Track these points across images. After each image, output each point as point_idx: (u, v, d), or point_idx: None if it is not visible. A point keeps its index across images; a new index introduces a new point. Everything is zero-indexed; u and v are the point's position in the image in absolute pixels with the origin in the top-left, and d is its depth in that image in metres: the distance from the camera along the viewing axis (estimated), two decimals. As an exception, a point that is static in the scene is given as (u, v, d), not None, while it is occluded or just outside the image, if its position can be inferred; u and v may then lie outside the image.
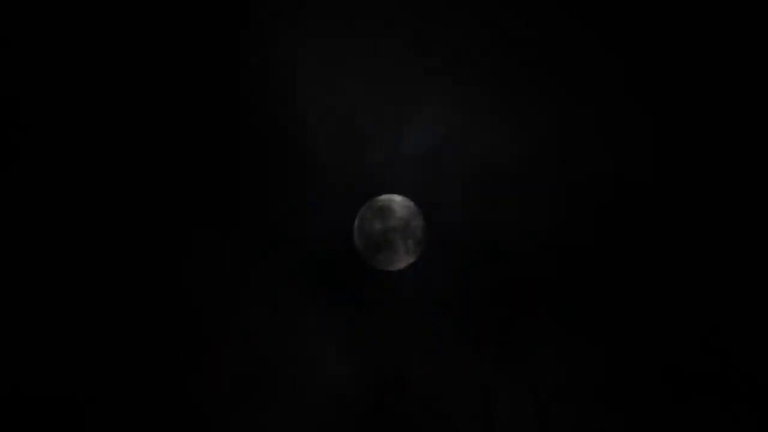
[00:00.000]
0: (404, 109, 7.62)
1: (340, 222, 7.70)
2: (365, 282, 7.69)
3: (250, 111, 7.57)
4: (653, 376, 7.15)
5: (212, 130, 7.53)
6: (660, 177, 7.41)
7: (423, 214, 7.65)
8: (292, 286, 7.54)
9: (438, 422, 7.29)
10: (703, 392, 7.06)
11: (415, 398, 7.36)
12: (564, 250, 7.41)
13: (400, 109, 7.62)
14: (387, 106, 7.61)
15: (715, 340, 7.15)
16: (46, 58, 7.34)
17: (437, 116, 7.58)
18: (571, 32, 7.45)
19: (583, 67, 7.47)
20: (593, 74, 7.46)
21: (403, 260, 7.66)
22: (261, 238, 7.55)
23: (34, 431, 7.00)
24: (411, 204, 7.65)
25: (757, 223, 7.24)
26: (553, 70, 7.48)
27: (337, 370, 7.44)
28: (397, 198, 7.65)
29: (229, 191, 7.54)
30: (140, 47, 7.42)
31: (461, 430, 7.27)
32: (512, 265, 7.44)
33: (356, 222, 7.68)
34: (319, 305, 7.54)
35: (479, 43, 7.50)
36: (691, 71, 7.39)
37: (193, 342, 7.34)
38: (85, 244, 7.31)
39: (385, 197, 7.66)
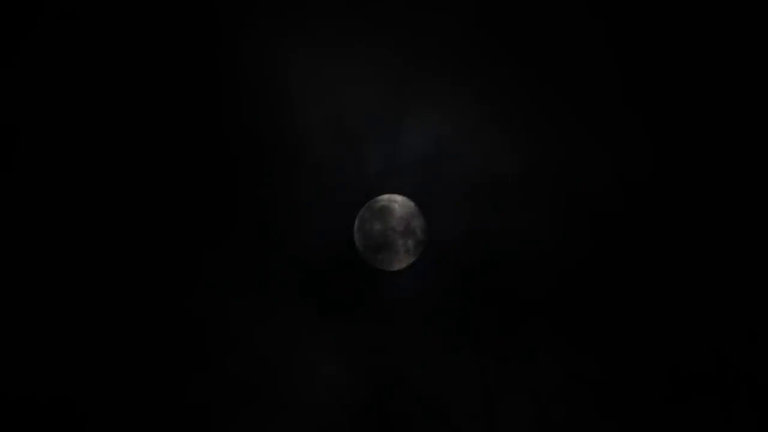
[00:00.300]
0: (404, 111, 7.63)
1: (340, 222, 7.70)
2: (365, 282, 7.69)
3: (248, 116, 7.56)
4: (653, 376, 7.16)
5: (211, 132, 7.52)
6: (659, 180, 7.43)
7: (423, 215, 7.65)
8: (291, 287, 7.54)
9: (438, 422, 7.29)
10: (702, 392, 7.07)
11: (415, 398, 7.36)
12: (564, 251, 7.42)
13: (400, 111, 7.63)
14: (387, 107, 7.62)
15: (715, 340, 7.16)
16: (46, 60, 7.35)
17: (437, 118, 7.59)
18: (571, 34, 7.47)
19: (584, 71, 7.48)
20: (595, 79, 7.48)
21: (403, 260, 7.66)
22: (261, 240, 7.55)
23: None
24: (411, 204, 7.66)
25: (758, 224, 7.26)
26: (555, 72, 7.50)
27: (337, 370, 7.43)
28: (398, 198, 7.66)
29: (227, 193, 7.53)
30: (137, 51, 7.41)
31: (461, 430, 7.27)
32: (512, 265, 7.45)
33: (356, 222, 7.68)
34: (319, 305, 7.54)
35: (480, 45, 7.52)
36: (694, 79, 7.41)
37: (192, 345, 7.33)
38: (80, 248, 7.29)
39: (385, 197, 7.66)
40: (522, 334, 7.38)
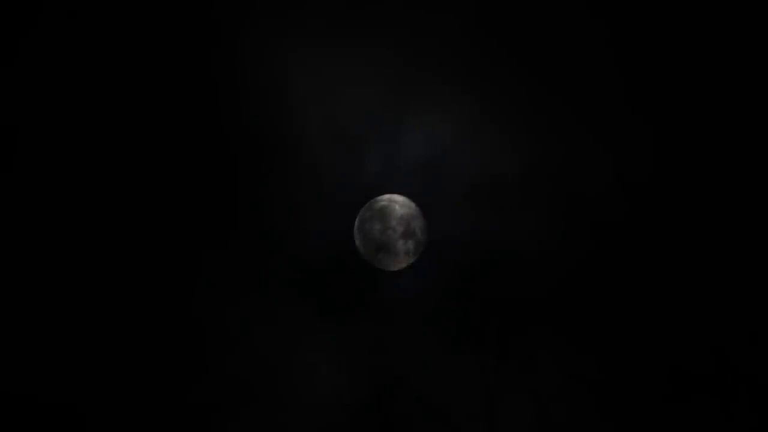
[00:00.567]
0: (404, 111, 7.63)
1: (340, 223, 7.70)
2: (365, 282, 7.69)
3: (248, 116, 7.56)
4: (653, 376, 7.16)
5: (211, 133, 7.52)
6: (659, 181, 7.43)
7: (423, 215, 7.65)
8: (291, 287, 7.54)
9: (438, 422, 7.29)
10: (702, 392, 7.07)
11: (415, 398, 7.36)
12: (564, 251, 7.42)
13: (400, 111, 7.63)
14: (387, 108, 7.62)
15: (715, 340, 7.16)
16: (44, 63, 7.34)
17: (437, 118, 7.58)
18: (571, 34, 7.47)
19: (584, 71, 7.48)
20: (595, 80, 7.48)
21: (403, 261, 7.66)
22: (260, 240, 7.55)
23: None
24: (412, 204, 7.66)
25: (757, 224, 7.26)
26: (555, 72, 7.49)
27: (337, 370, 7.43)
28: (399, 198, 7.66)
29: (227, 194, 7.53)
30: (137, 51, 7.41)
31: (461, 430, 7.28)
32: (512, 265, 7.45)
33: (356, 223, 7.68)
34: (319, 305, 7.54)
35: (480, 45, 7.52)
36: (694, 79, 7.41)
37: (192, 345, 7.33)
38: (80, 249, 7.30)
39: (386, 197, 7.66)
40: (522, 334, 7.38)
